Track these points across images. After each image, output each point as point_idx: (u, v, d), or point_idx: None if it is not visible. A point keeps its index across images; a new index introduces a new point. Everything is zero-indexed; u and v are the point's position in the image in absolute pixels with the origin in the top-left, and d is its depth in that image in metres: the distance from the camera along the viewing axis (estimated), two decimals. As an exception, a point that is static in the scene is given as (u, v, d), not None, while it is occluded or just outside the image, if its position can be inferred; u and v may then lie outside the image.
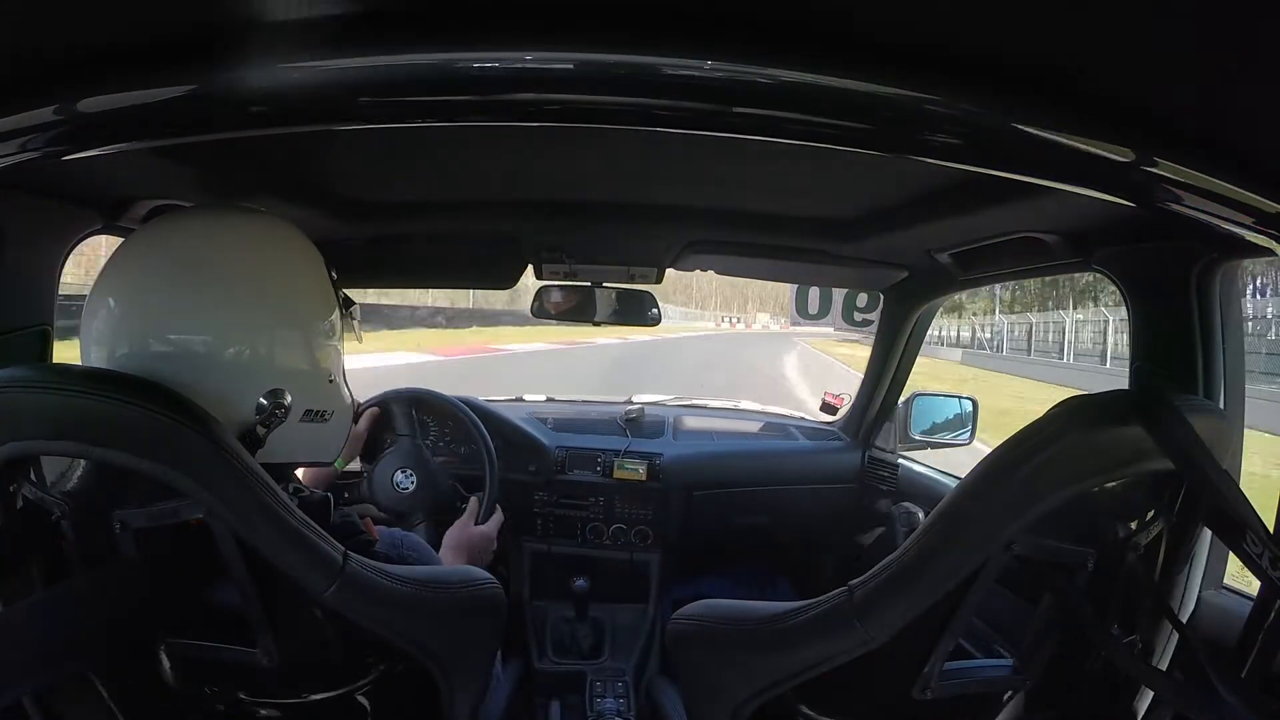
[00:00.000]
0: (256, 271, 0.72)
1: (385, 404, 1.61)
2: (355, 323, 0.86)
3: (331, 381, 0.79)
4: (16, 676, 0.56)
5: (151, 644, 0.67)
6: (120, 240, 0.75)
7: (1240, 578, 0.85)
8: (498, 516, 1.31)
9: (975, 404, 1.73)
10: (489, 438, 1.56)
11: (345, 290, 0.84)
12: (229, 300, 0.69)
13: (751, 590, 1.89)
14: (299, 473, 0.90)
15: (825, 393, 2.15)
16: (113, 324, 0.67)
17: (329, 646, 0.69)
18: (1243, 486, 0.60)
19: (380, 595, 0.66)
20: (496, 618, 0.78)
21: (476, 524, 1.28)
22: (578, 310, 1.60)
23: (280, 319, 0.73)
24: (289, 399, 0.72)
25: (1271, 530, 0.56)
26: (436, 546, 1.20)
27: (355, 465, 1.52)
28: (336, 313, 0.79)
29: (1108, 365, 14.50)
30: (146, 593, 0.62)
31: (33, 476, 0.63)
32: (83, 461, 0.65)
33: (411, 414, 1.65)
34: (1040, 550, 0.67)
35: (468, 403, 1.66)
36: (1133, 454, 0.62)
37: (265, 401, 0.70)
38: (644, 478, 1.73)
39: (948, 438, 1.73)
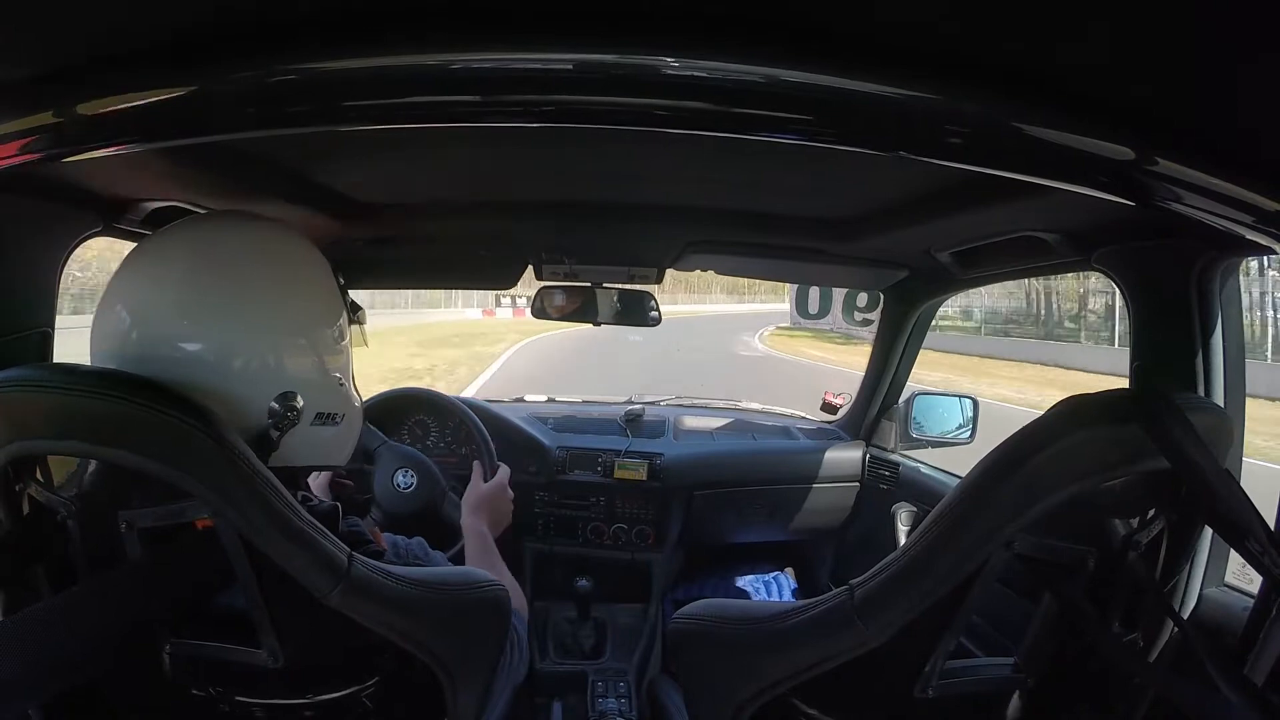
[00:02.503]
0: (265, 279, 0.72)
1: (386, 404, 1.61)
2: (363, 328, 0.86)
3: (341, 385, 0.79)
4: (23, 687, 0.56)
5: (156, 645, 0.67)
6: (118, 242, 0.75)
7: (1242, 575, 0.85)
8: (504, 469, 1.30)
9: (976, 403, 1.73)
10: (489, 438, 1.56)
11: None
12: (238, 308, 0.69)
13: (756, 589, 1.89)
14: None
15: (826, 392, 2.16)
16: (122, 330, 0.67)
17: (333, 647, 0.69)
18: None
19: (385, 596, 0.66)
20: (500, 618, 0.78)
21: (485, 483, 1.28)
22: (577, 310, 1.61)
23: (289, 326, 0.73)
24: (300, 401, 0.72)
25: (1273, 528, 0.56)
26: (436, 546, 1.20)
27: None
28: (344, 318, 0.80)
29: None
30: (153, 597, 0.62)
31: (39, 476, 0.63)
32: (89, 462, 0.65)
33: (413, 414, 1.65)
34: (1041, 549, 0.67)
35: (468, 403, 1.67)
36: (1133, 452, 0.62)
37: (277, 405, 0.70)
38: (644, 478, 1.74)
39: (948, 437, 1.73)
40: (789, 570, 1.90)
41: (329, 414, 0.77)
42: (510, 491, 1.24)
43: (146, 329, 0.67)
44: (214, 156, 0.88)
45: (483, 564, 1.04)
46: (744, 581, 1.87)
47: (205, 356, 0.67)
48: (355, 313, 0.83)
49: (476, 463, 1.35)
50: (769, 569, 1.99)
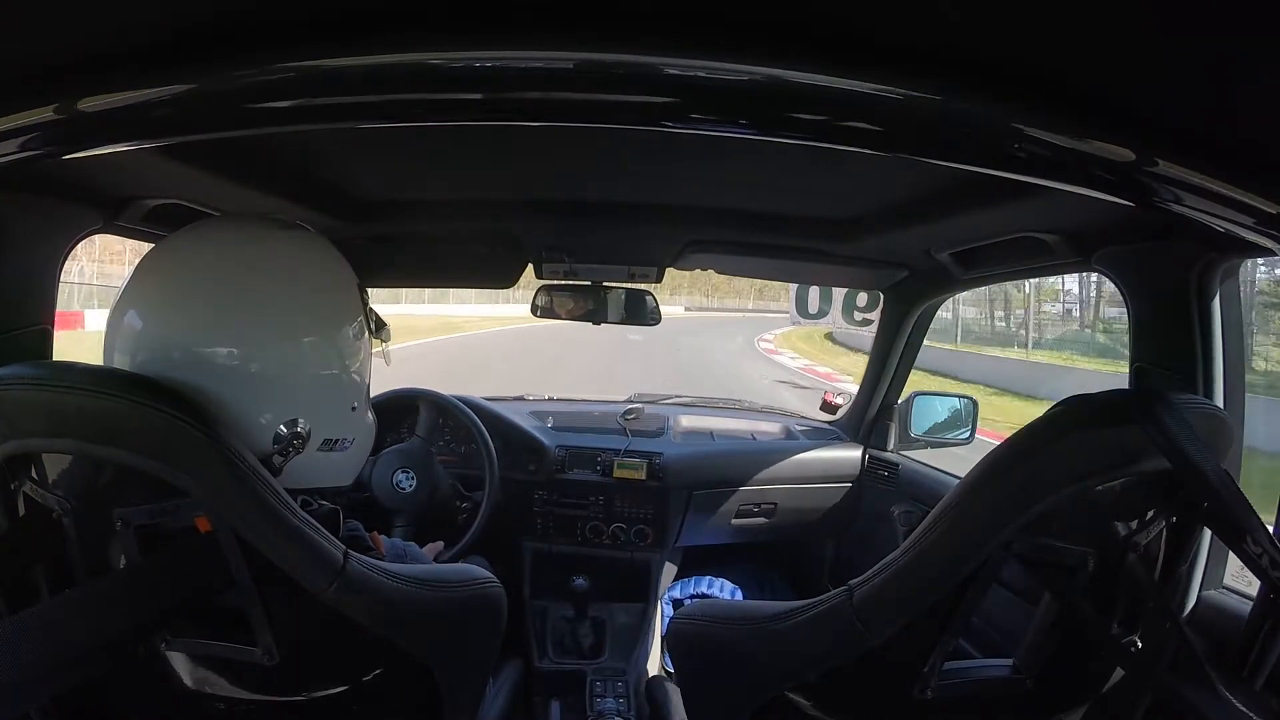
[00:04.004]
0: (285, 287, 0.70)
1: (387, 403, 1.61)
2: (385, 345, 0.83)
3: (354, 409, 0.77)
4: (22, 687, 0.56)
5: (154, 645, 0.67)
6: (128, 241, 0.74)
7: (1240, 577, 0.85)
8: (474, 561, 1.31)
9: (975, 403, 1.73)
10: (490, 441, 1.56)
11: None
12: (255, 316, 0.68)
13: (751, 590, 1.89)
14: None
15: (825, 393, 2.16)
16: (136, 333, 0.67)
17: (329, 645, 0.69)
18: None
19: (380, 594, 0.66)
20: (496, 617, 0.78)
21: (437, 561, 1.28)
22: (578, 310, 1.61)
23: (304, 341, 0.71)
24: (307, 428, 0.70)
25: (1272, 530, 0.56)
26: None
27: None
28: (366, 335, 0.78)
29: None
30: (151, 599, 0.62)
31: (34, 474, 0.63)
32: (85, 460, 0.64)
33: (413, 414, 1.65)
34: (1040, 550, 0.67)
35: (467, 402, 1.66)
36: (1132, 453, 0.62)
37: (283, 430, 0.69)
38: (644, 477, 1.73)
39: (948, 437, 1.73)
40: (722, 581, 1.90)
41: (337, 440, 0.75)
42: None
43: (161, 332, 0.67)
44: (215, 154, 0.88)
45: None
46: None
47: (217, 363, 0.66)
48: (380, 330, 0.81)
49: (442, 542, 1.35)
50: (768, 569, 2.00)
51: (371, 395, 0.81)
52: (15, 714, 0.60)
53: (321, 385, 0.72)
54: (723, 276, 1.85)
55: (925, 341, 1.79)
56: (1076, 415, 0.63)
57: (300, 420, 0.70)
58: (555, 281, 1.59)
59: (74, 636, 0.58)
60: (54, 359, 0.91)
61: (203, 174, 0.92)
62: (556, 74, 0.44)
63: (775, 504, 1.81)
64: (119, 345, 0.68)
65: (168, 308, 0.67)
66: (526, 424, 1.80)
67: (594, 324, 1.62)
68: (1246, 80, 0.43)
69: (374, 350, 0.81)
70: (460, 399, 1.66)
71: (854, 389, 1.94)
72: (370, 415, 0.82)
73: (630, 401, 2.09)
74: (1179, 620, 0.64)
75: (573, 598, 1.63)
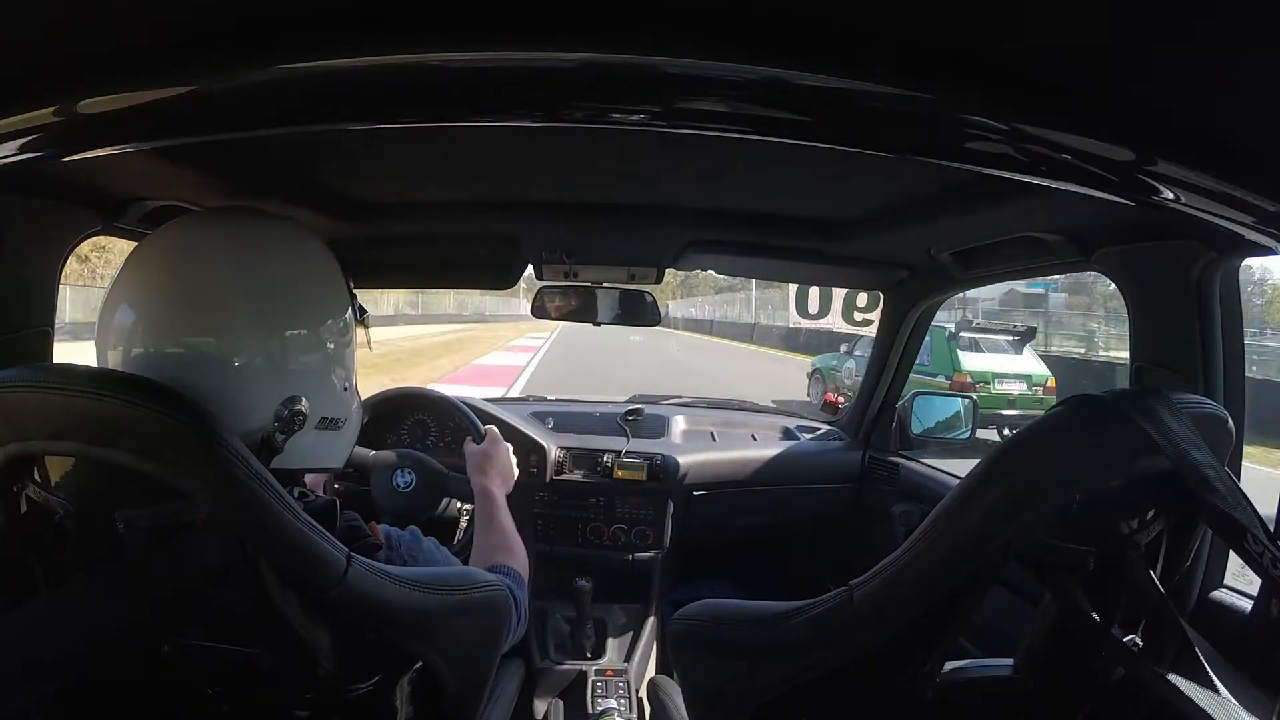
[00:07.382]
0: (274, 277, 0.71)
1: (385, 404, 1.61)
2: (368, 332, 0.85)
3: (345, 390, 0.78)
4: (21, 685, 0.56)
5: (155, 644, 0.67)
6: (121, 241, 0.75)
7: (1241, 577, 0.85)
8: (492, 429, 1.31)
9: (975, 403, 1.73)
10: (479, 423, 1.56)
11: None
12: (246, 305, 0.68)
13: (752, 590, 1.90)
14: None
15: (826, 393, 2.16)
16: (128, 327, 0.67)
17: (330, 647, 0.69)
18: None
19: (383, 597, 0.66)
20: (499, 619, 0.78)
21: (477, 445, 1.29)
22: (578, 310, 1.61)
23: (298, 325, 0.72)
24: (306, 406, 0.72)
25: (1272, 529, 0.56)
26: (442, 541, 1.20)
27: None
28: (352, 321, 0.79)
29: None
30: (150, 596, 0.62)
31: (36, 477, 0.63)
32: (87, 461, 0.64)
33: (412, 414, 1.65)
34: (1040, 550, 0.66)
35: (467, 403, 1.67)
36: (1133, 453, 0.62)
37: (283, 409, 0.70)
38: (644, 478, 1.73)
39: (948, 437, 1.73)
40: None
41: (332, 419, 0.76)
42: (506, 445, 1.26)
43: (153, 327, 0.67)
44: (214, 155, 0.88)
45: (489, 523, 1.07)
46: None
47: (210, 354, 0.67)
48: (361, 316, 0.82)
49: (469, 438, 1.35)
50: (768, 569, 2.00)
51: (369, 396, 0.82)
52: (13, 712, 0.60)
53: (315, 368, 0.74)
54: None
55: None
56: (1077, 414, 0.63)
57: (301, 398, 0.71)
58: (554, 283, 1.59)
59: (71, 633, 0.58)
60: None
61: (203, 175, 0.92)
62: (556, 74, 0.44)
63: (776, 504, 1.81)
64: (110, 343, 0.68)
65: (155, 304, 0.68)
66: (527, 425, 1.80)
67: (593, 324, 1.62)
68: (1247, 80, 0.43)
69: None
70: (460, 399, 1.67)
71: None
72: (357, 401, 0.83)
73: (631, 402, 2.09)
74: (1180, 619, 0.64)
75: (573, 598, 1.63)
